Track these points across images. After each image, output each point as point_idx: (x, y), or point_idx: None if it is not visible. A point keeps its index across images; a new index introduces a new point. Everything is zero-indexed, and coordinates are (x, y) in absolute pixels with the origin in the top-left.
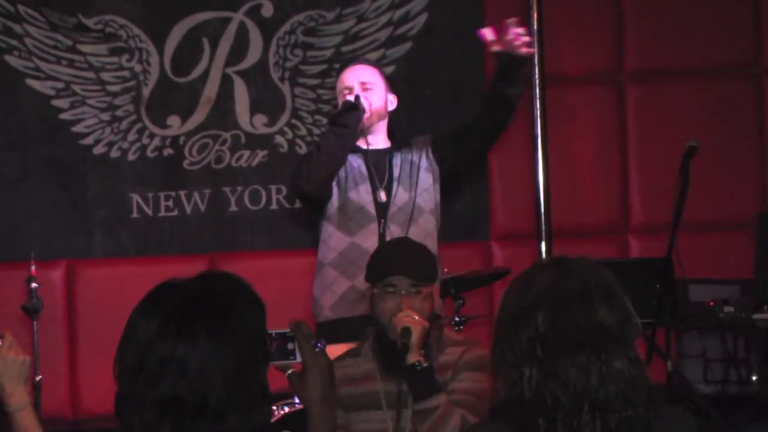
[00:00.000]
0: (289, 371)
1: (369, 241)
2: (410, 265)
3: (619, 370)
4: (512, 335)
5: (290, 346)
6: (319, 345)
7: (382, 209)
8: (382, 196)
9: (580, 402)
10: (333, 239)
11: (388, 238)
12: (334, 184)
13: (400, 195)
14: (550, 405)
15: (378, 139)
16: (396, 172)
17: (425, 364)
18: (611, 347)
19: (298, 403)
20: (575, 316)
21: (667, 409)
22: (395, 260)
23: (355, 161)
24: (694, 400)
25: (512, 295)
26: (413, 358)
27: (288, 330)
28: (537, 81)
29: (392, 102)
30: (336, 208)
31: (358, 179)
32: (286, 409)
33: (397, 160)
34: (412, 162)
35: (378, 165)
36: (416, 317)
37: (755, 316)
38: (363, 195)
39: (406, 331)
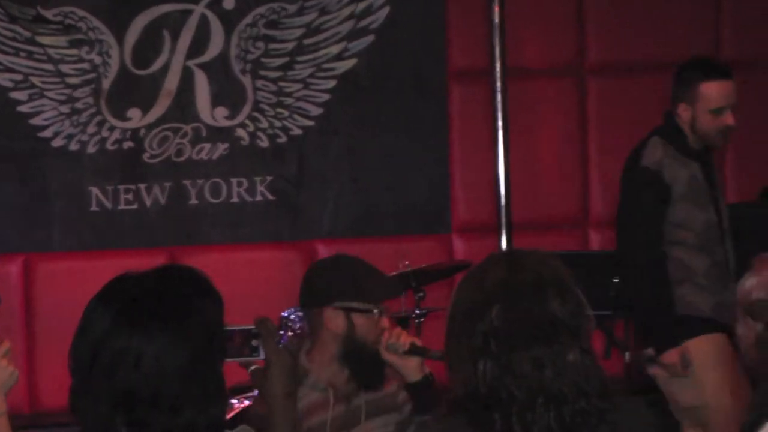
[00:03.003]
0: (252, 367)
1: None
2: (398, 289)
3: (572, 362)
4: (466, 330)
5: (253, 342)
6: (283, 340)
7: (719, 227)
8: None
9: (535, 395)
10: (695, 260)
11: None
12: (686, 204)
13: (725, 212)
14: (505, 399)
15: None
16: (719, 185)
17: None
18: (565, 340)
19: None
20: (528, 310)
21: (621, 400)
22: (389, 287)
23: (698, 172)
24: (652, 391)
25: (465, 289)
26: (419, 374)
27: (251, 327)
28: (499, 74)
29: None
30: (700, 230)
31: (704, 196)
32: (246, 402)
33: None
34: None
35: (709, 177)
36: (405, 332)
37: None
38: (712, 215)
39: (416, 348)
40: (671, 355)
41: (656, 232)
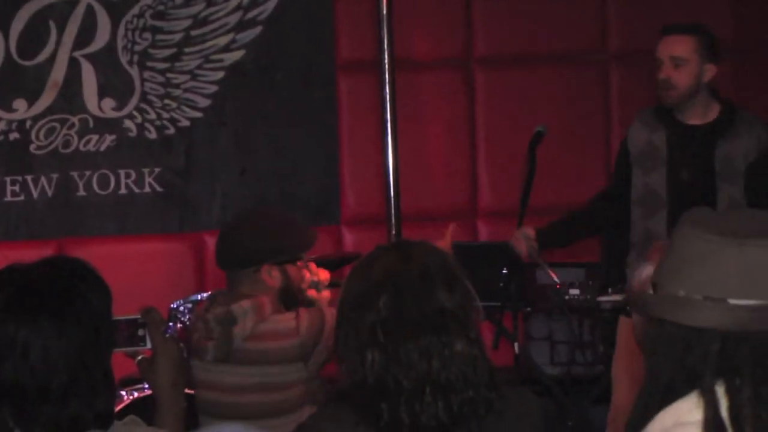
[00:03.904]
0: (139, 357)
1: (660, 227)
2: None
3: (460, 352)
4: (354, 320)
5: (140, 332)
6: (169, 330)
7: (677, 193)
8: (685, 175)
9: (422, 385)
10: (635, 227)
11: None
12: (637, 169)
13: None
14: (393, 389)
15: (691, 114)
16: (717, 166)
17: None
18: (452, 329)
19: (147, 389)
20: (416, 300)
21: (509, 390)
22: (311, 232)
23: (660, 138)
24: (541, 381)
25: (354, 280)
26: None
27: (137, 316)
28: (387, 66)
29: (710, 71)
30: (636, 195)
31: (656, 161)
32: (135, 394)
33: (721, 149)
34: (730, 154)
35: (685, 142)
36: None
37: (600, 299)
38: (656, 178)
39: (335, 281)
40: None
41: (609, 189)
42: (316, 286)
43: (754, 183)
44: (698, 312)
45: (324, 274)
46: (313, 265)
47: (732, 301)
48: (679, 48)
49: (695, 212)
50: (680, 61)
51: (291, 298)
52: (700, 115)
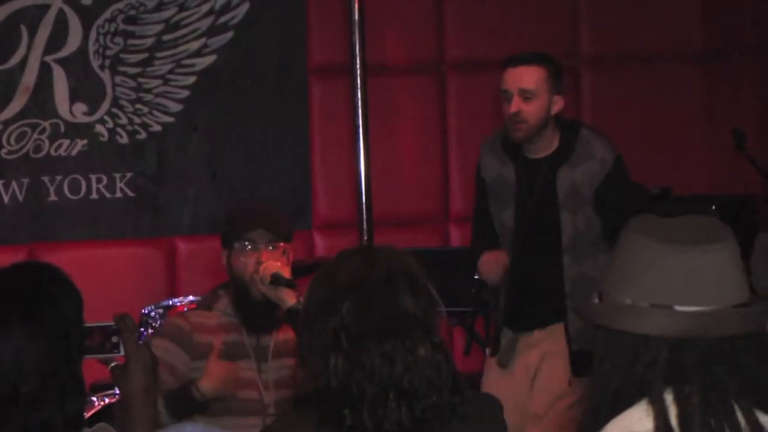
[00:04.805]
0: (112, 364)
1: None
2: (267, 220)
3: (423, 357)
4: (318, 325)
5: (114, 339)
6: (142, 337)
7: (524, 229)
8: (530, 212)
9: (386, 390)
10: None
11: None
12: (492, 200)
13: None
14: (356, 394)
15: (538, 147)
16: (560, 195)
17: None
18: (416, 334)
19: (119, 395)
20: (379, 305)
21: (473, 394)
22: (252, 217)
23: (510, 174)
24: None
25: (318, 285)
26: (292, 300)
27: (111, 323)
28: (359, 71)
29: (557, 103)
30: (498, 229)
31: (508, 197)
32: (107, 400)
33: (563, 178)
34: (573, 182)
35: (531, 177)
36: (279, 263)
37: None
38: (508, 215)
39: (277, 276)
40: None
41: (476, 221)
42: (262, 280)
43: (614, 209)
44: (645, 319)
45: (271, 268)
46: (269, 260)
47: (678, 308)
48: (528, 80)
49: (639, 220)
50: (530, 93)
51: (238, 289)
52: (545, 147)
